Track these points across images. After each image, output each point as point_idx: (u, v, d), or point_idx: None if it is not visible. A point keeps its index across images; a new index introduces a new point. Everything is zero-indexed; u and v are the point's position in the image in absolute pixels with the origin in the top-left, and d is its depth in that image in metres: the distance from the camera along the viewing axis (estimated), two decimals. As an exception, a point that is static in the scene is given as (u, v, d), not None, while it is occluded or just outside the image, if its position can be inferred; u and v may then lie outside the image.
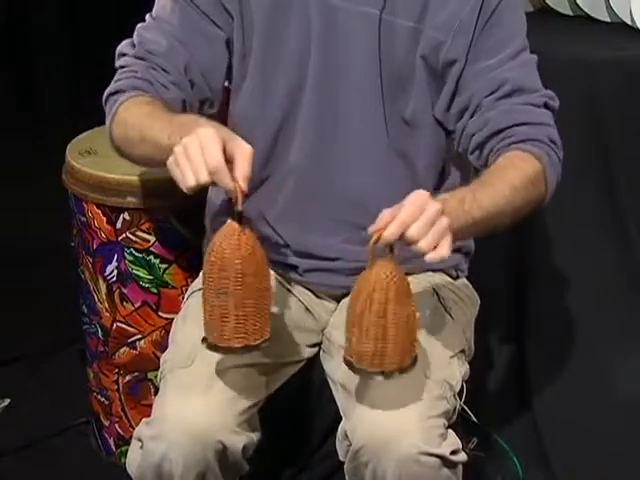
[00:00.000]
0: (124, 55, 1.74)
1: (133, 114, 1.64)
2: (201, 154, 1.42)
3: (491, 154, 1.65)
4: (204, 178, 1.42)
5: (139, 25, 1.75)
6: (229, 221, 1.47)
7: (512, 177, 1.57)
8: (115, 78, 1.72)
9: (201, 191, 1.48)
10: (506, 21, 1.68)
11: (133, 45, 1.73)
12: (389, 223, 1.39)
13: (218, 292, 1.46)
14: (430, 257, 1.39)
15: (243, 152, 1.44)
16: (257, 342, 1.49)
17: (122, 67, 1.73)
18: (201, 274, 1.52)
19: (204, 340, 1.52)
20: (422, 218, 1.39)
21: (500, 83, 1.66)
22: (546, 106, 1.68)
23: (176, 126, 1.51)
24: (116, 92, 1.69)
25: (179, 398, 1.60)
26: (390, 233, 1.39)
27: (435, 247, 1.39)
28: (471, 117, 1.68)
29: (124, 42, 1.75)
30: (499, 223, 1.57)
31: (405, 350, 1.46)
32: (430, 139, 1.73)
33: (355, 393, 1.62)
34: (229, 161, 1.43)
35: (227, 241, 1.46)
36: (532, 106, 1.66)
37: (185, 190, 1.45)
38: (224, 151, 1.43)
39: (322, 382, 1.78)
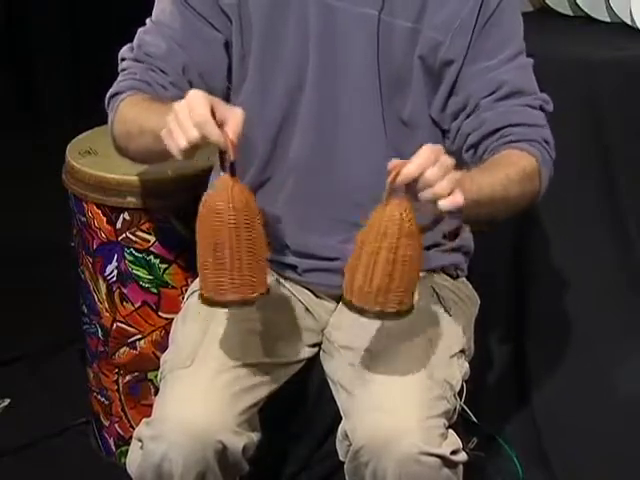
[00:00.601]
0: (125, 59, 1.76)
1: (132, 110, 1.66)
2: (189, 114, 1.43)
3: (486, 152, 1.66)
4: (194, 135, 1.42)
5: (140, 29, 1.77)
6: (221, 174, 1.47)
7: (509, 169, 1.58)
8: (116, 81, 1.74)
9: (194, 152, 1.46)
10: (505, 23, 1.68)
11: (133, 49, 1.75)
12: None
13: (212, 245, 1.46)
14: (444, 203, 1.39)
15: (234, 112, 1.46)
16: (253, 295, 1.48)
17: (123, 70, 1.75)
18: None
19: (200, 296, 1.51)
20: (438, 164, 1.39)
21: (498, 85, 1.66)
22: (541, 109, 1.70)
23: None
24: (116, 94, 1.71)
25: (179, 398, 1.60)
26: (409, 171, 1.39)
27: (449, 194, 1.39)
28: (467, 117, 1.68)
29: (125, 46, 1.77)
30: (495, 210, 1.58)
31: (407, 291, 1.45)
32: (427, 139, 1.73)
33: (355, 393, 1.62)
34: (221, 124, 1.44)
35: (219, 194, 1.45)
36: (529, 107, 1.68)
37: (178, 155, 1.45)
38: (214, 114, 1.43)
39: (322, 382, 1.78)
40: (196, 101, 1.44)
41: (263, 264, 1.49)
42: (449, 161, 1.41)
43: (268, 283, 1.51)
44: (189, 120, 1.43)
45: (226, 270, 1.45)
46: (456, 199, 1.40)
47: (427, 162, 1.39)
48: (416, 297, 1.50)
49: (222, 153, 1.47)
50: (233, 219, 1.44)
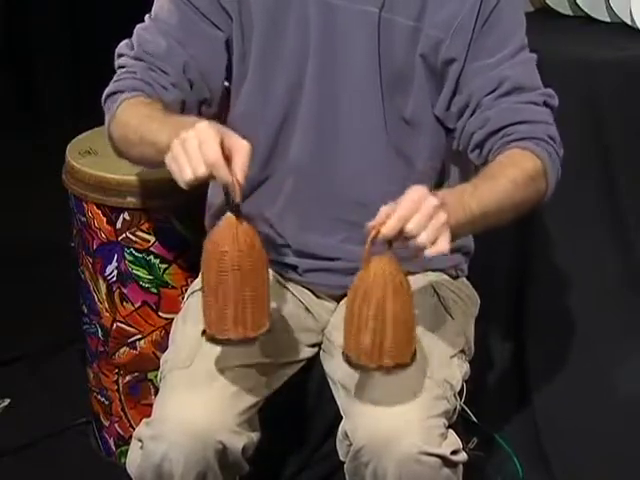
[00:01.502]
0: (123, 55, 1.74)
1: (132, 116, 1.65)
2: (199, 148, 1.42)
3: (491, 152, 1.65)
4: (202, 172, 1.42)
5: (138, 26, 1.75)
6: (227, 214, 1.47)
7: (513, 173, 1.57)
8: (114, 79, 1.72)
9: (199, 186, 1.48)
10: (505, 19, 1.68)
11: (132, 46, 1.73)
12: (387, 219, 1.39)
13: (216, 284, 1.47)
14: (429, 252, 1.39)
15: (241, 147, 1.45)
16: (256, 334, 1.50)
17: (121, 67, 1.73)
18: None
19: (203, 332, 1.52)
20: (420, 213, 1.38)
21: (500, 81, 1.66)
22: (545, 104, 1.68)
23: (175, 126, 1.51)
24: (115, 93, 1.70)
25: (179, 398, 1.60)
26: (389, 228, 1.39)
27: (434, 242, 1.39)
28: (471, 115, 1.68)
29: (123, 42, 1.75)
30: (499, 219, 1.58)
31: (403, 345, 1.46)
32: (430, 138, 1.73)
33: (355, 393, 1.62)
34: (227, 157, 1.44)
35: (225, 234, 1.46)
36: (532, 104, 1.67)
37: (183, 185, 1.45)
38: (222, 147, 1.43)
39: (322, 382, 1.78)
40: (207, 136, 1.43)
41: (265, 302, 1.51)
42: (432, 204, 1.39)
43: (270, 320, 1.52)
44: (198, 155, 1.42)
45: (229, 310, 1.47)
46: (440, 247, 1.39)
47: (408, 213, 1.38)
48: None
49: (227, 190, 1.46)
50: (237, 262, 1.45)
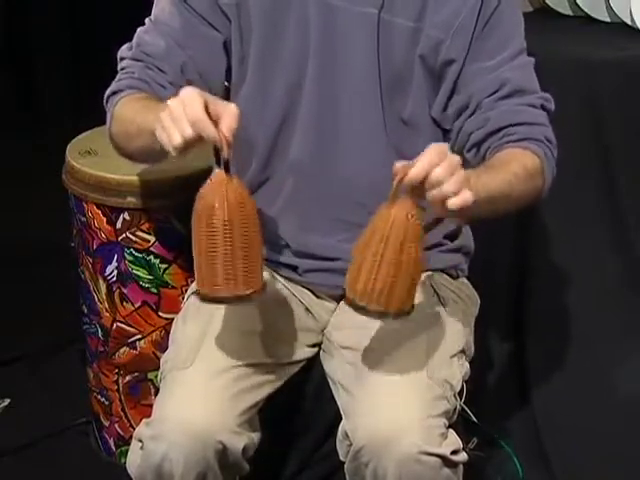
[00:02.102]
0: (124, 59, 1.75)
1: (129, 109, 1.66)
2: (184, 111, 1.43)
3: (489, 151, 1.66)
4: (188, 131, 1.42)
5: (139, 28, 1.76)
6: (216, 170, 1.47)
7: (514, 167, 1.58)
8: (115, 80, 1.74)
9: (188, 148, 1.46)
10: (505, 22, 1.68)
11: (132, 48, 1.75)
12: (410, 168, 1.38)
13: (207, 241, 1.46)
14: (453, 202, 1.38)
15: (229, 109, 1.45)
16: (248, 292, 1.48)
17: (122, 69, 1.75)
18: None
19: (197, 293, 1.51)
20: (445, 163, 1.38)
21: (500, 84, 1.66)
22: (543, 107, 1.70)
23: None
24: (114, 93, 1.71)
25: (179, 398, 1.60)
26: (416, 172, 1.38)
27: (457, 193, 1.38)
28: (470, 116, 1.68)
29: (124, 46, 1.77)
30: (500, 207, 1.58)
31: (410, 293, 1.45)
32: (428, 139, 1.73)
33: (355, 393, 1.62)
34: (215, 121, 1.44)
35: (214, 190, 1.45)
36: (531, 107, 1.68)
37: (173, 151, 1.45)
38: (209, 111, 1.43)
39: (322, 382, 1.78)
40: (190, 98, 1.44)
41: (258, 261, 1.49)
42: (456, 159, 1.40)
43: (264, 281, 1.51)
44: (183, 117, 1.43)
45: (219, 266, 1.46)
46: (465, 197, 1.38)
47: (433, 162, 1.38)
48: (416, 299, 1.50)
49: (217, 150, 1.47)
50: (227, 217, 1.44)
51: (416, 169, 1.38)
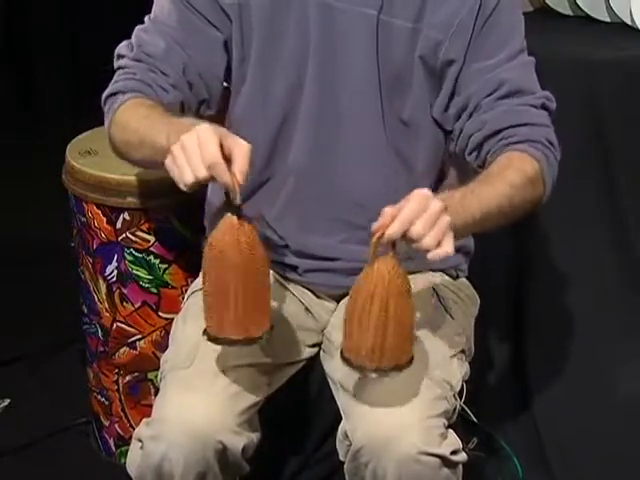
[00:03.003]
0: (122, 57, 1.74)
1: (132, 117, 1.64)
2: (199, 150, 1.42)
3: (489, 154, 1.65)
4: (202, 173, 1.42)
5: (138, 27, 1.75)
6: (227, 215, 1.47)
7: (511, 176, 1.57)
8: (113, 79, 1.72)
9: (199, 188, 1.48)
10: (504, 22, 1.68)
11: (131, 47, 1.73)
12: (392, 221, 1.39)
13: (217, 285, 1.47)
14: (434, 254, 1.39)
15: (241, 148, 1.44)
16: (257, 334, 1.50)
17: (120, 69, 1.73)
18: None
19: (205, 332, 1.52)
20: (425, 215, 1.39)
21: (499, 84, 1.66)
22: (544, 107, 1.69)
23: (175, 128, 1.51)
24: (114, 94, 1.70)
25: (179, 398, 1.60)
26: (394, 231, 1.39)
27: (438, 245, 1.39)
28: (469, 117, 1.68)
29: (122, 44, 1.75)
30: (498, 221, 1.58)
31: (403, 347, 1.46)
32: (428, 139, 1.74)
33: (355, 393, 1.62)
34: (227, 159, 1.44)
35: (225, 235, 1.46)
36: (531, 107, 1.67)
37: (183, 187, 1.45)
38: (222, 148, 1.43)
39: (322, 382, 1.78)
40: (206, 138, 1.43)
41: (267, 304, 1.51)
42: (437, 207, 1.40)
43: (272, 321, 1.52)
44: (199, 157, 1.42)
45: (230, 311, 1.47)
46: (445, 249, 1.39)
47: (413, 215, 1.38)
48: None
49: (228, 191, 1.46)
50: (238, 263, 1.45)
51: (394, 227, 1.38)
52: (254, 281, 1.47)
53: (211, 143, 1.42)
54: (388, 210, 1.40)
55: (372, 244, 1.41)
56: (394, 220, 1.39)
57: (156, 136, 1.53)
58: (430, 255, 1.39)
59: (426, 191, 1.42)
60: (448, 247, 1.40)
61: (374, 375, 1.47)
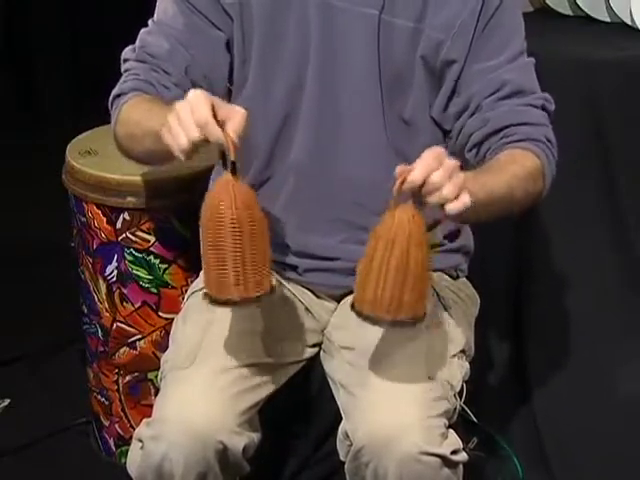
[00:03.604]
0: (127, 60, 1.75)
1: (134, 112, 1.66)
2: (191, 114, 1.43)
3: (489, 152, 1.66)
4: (195, 135, 1.42)
5: (142, 30, 1.77)
6: (224, 173, 1.47)
7: (514, 169, 1.58)
8: (119, 82, 1.74)
9: (195, 149, 1.46)
10: (506, 23, 1.68)
11: (135, 49, 1.75)
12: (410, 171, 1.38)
13: (215, 244, 1.46)
14: (452, 206, 1.38)
15: (236, 112, 1.45)
16: (257, 294, 1.48)
17: (126, 71, 1.75)
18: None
19: (205, 294, 1.50)
20: (443, 167, 1.38)
21: (501, 84, 1.66)
22: (543, 108, 1.70)
23: None
24: (119, 95, 1.71)
25: (180, 399, 1.60)
26: (415, 176, 1.38)
27: (456, 197, 1.38)
28: (470, 117, 1.68)
29: (128, 48, 1.77)
30: (500, 209, 1.58)
31: (420, 298, 1.44)
32: (428, 139, 1.74)
33: (356, 393, 1.62)
34: (222, 124, 1.43)
35: (222, 192, 1.45)
36: (531, 107, 1.68)
37: (181, 155, 1.45)
38: (217, 114, 1.43)
39: (322, 382, 1.78)
40: (197, 100, 1.44)
41: (266, 263, 1.49)
42: (453, 163, 1.40)
43: (272, 282, 1.51)
44: (191, 120, 1.42)
45: (228, 269, 1.45)
46: (463, 201, 1.38)
47: (431, 166, 1.38)
48: (428, 306, 1.49)
49: (223, 152, 1.46)
50: (235, 219, 1.44)
51: (415, 173, 1.38)
52: (252, 238, 1.45)
53: (202, 105, 1.43)
54: (401, 167, 1.40)
55: (395, 191, 1.39)
56: (414, 169, 1.38)
57: (159, 125, 1.53)
58: (448, 207, 1.38)
59: (441, 148, 1.42)
60: (465, 200, 1.38)
61: (388, 327, 1.45)
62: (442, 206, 1.39)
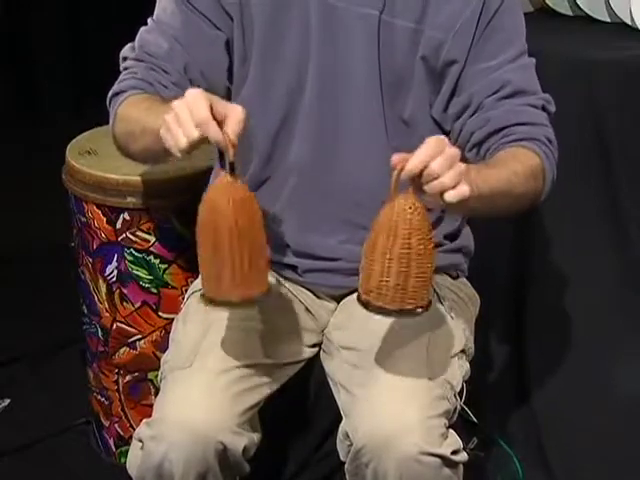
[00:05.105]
0: (126, 59, 1.75)
1: (133, 110, 1.66)
2: (190, 113, 1.42)
3: (489, 151, 1.66)
4: (193, 134, 1.42)
5: (141, 29, 1.76)
6: (221, 173, 1.47)
7: (514, 165, 1.58)
8: (118, 80, 1.74)
9: (193, 148, 1.46)
10: (507, 23, 1.68)
11: (134, 48, 1.75)
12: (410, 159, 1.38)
13: (212, 244, 1.45)
14: (450, 195, 1.37)
15: (234, 111, 1.45)
16: (255, 295, 1.47)
17: (124, 70, 1.75)
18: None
19: (202, 296, 1.50)
20: (443, 155, 1.38)
21: (501, 84, 1.66)
22: (543, 108, 1.70)
23: None
24: (117, 94, 1.71)
25: (179, 399, 1.60)
26: (414, 164, 1.37)
27: (455, 187, 1.38)
28: (471, 116, 1.68)
29: (127, 46, 1.77)
30: (500, 205, 1.57)
31: (425, 286, 1.43)
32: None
33: (356, 393, 1.62)
34: (220, 122, 1.43)
35: (220, 192, 1.45)
36: (532, 107, 1.68)
37: (179, 153, 1.45)
38: (216, 113, 1.43)
39: (322, 382, 1.78)
40: (196, 100, 1.44)
41: (264, 263, 1.49)
42: (454, 151, 1.39)
43: (269, 282, 1.51)
44: (189, 119, 1.42)
45: (227, 269, 1.45)
46: (462, 191, 1.38)
47: (431, 154, 1.37)
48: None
49: (222, 152, 1.46)
50: (233, 218, 1.44)
51: (413, 161, 1.37)
52: (250, 239, 1.45)
53: (200, 104, 1.42)
54: (399, 155, 1.39)
55: (393, 178, 1.38)
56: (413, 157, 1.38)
57: (155, 121, 1.53)
58: (447, 195, 1.37)
59: (442, 136, 1.42)
60: (464, 189, 1.37)
61: (394, 316, 1.44)
62: (442, 195, 1.38)
